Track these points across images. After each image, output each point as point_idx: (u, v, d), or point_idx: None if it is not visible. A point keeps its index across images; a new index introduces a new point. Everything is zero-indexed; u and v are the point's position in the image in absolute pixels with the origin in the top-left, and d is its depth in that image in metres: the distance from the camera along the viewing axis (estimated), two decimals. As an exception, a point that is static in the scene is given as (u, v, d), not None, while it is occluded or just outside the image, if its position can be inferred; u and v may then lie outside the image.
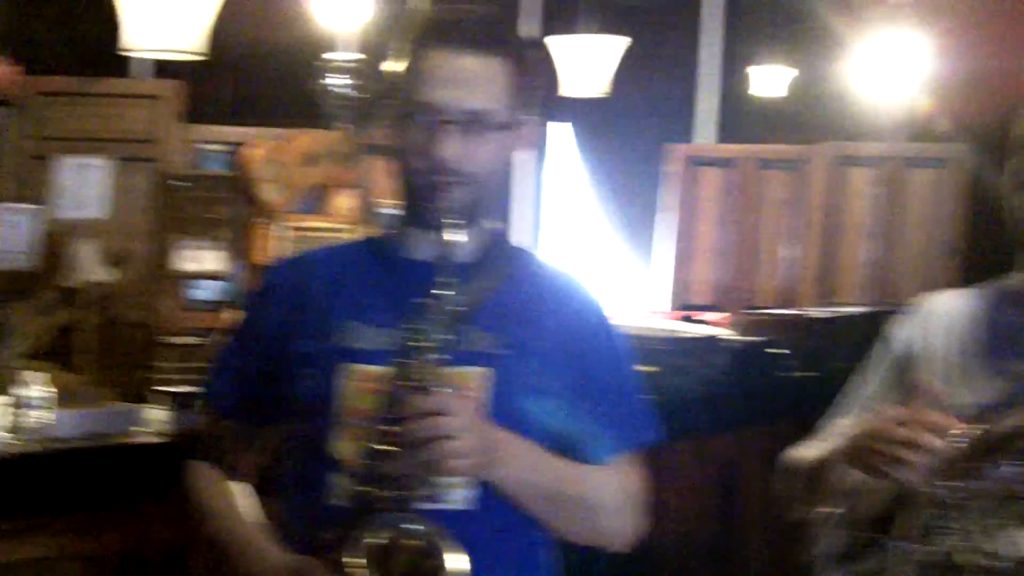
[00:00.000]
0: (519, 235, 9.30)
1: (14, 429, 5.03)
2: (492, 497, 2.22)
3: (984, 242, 9.02)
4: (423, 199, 2.24)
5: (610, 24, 7.39)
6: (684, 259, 9.45)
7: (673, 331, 5.59)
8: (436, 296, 2.14)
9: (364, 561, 2.03)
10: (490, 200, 2.32)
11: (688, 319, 6.43)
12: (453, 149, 2.20)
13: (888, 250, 9.16)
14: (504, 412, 2.21)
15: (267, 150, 7.94)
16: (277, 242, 7.70)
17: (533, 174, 9.65)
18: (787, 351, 5.98)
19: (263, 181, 7.88)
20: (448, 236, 2.18)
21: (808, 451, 2.45)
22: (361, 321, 2.29)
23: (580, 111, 9.21)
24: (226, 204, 7.94)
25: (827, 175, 9.28)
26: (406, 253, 2.35)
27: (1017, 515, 2.14)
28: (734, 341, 5.72)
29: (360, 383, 2.23)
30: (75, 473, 4.88)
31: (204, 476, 2.46)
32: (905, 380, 2.34)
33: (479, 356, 2.25)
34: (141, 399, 5.74)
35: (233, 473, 2.46)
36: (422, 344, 2.12)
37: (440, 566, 2.06)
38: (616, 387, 2.37)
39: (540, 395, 2.28)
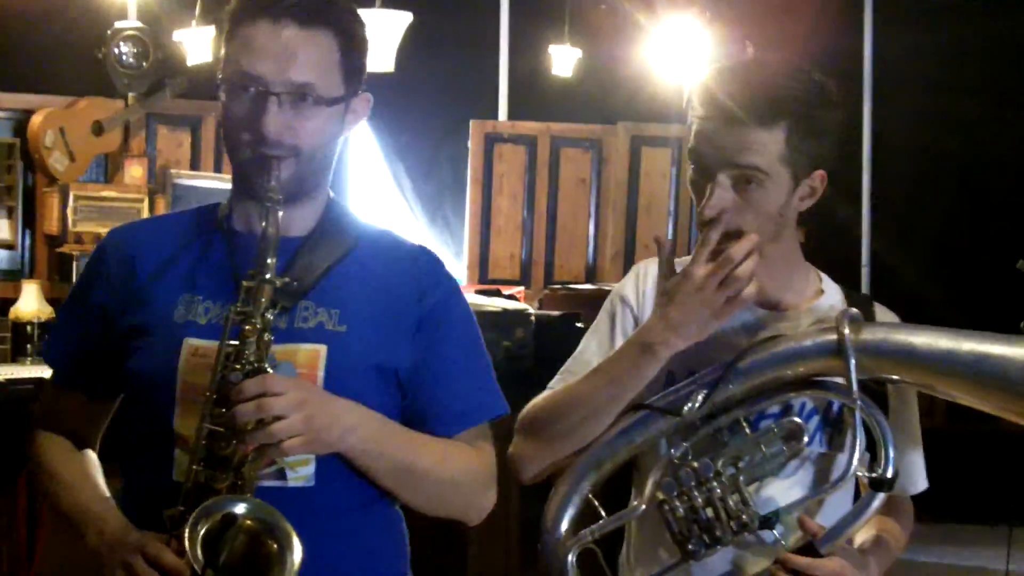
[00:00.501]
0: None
1: None
2: (335, 473, 2.18)
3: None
4: (250, 173, 2.17)
5: (404, 1, 7.33)
6: (486, 235, 9.44)
7: (478, 305, 5.54)
8: (263, 273, 2.09)
9: (197, 542, 1.97)
10: (321, 174, 2.26)
11: (497, 293, 6.39)
12: (276, 122, 2.13)
13: (686, 229, 9.30)
14: (342, 389, 2.17)
15: (53, 117, 7.72)
16: (65, 211, 7.48)
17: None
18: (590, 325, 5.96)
19: (49, 149, 7.67)
20: (275, 211, 2.11)
21: (547, 395, 2.49)
22: (196, 294, 2.23)
23: (371, 85, 9.12)
24: (13, 172, 7.66)
25: (625, 155, 9.36)
26: (240, 225, 2.28)
27: (760, 472, 2.28)
28: (542, 315, 5.69)
29: (199, 359, 2.18)
30: None
31: (48, 441, 2.39)
32: (632, 331, 2.43)
33: (315, 332, 2.20)
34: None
35: (77, 440, 2.39)
36: (252, 323, 2.07)
37: (276, 548, 2.01)
38: (463, 359, 2.34)
39: (380, 371, 2.24)
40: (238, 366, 2.06)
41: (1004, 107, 8.23)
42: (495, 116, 9.75)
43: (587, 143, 9.50)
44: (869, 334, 2.21)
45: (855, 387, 2.18)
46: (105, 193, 7.61)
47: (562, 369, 2.53)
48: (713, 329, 2.25)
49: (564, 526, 2.36)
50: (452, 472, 2.28)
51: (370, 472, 2.21)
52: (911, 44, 8.38)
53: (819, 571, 2.19)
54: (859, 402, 2.19)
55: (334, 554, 2.18)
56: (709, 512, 2.23)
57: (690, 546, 2.25)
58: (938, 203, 8.67)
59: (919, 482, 2.50)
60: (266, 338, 2.08)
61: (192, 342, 2.20)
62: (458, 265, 9.51)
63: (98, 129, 7.82)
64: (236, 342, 2.07)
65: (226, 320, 2.10)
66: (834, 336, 2.19)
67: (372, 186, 9.82)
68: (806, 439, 2.27)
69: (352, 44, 2.23)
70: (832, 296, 2.45)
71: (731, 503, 2.23)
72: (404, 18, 7.08)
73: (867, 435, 2.21)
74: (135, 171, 7.90)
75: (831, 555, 2.20)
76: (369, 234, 2.36)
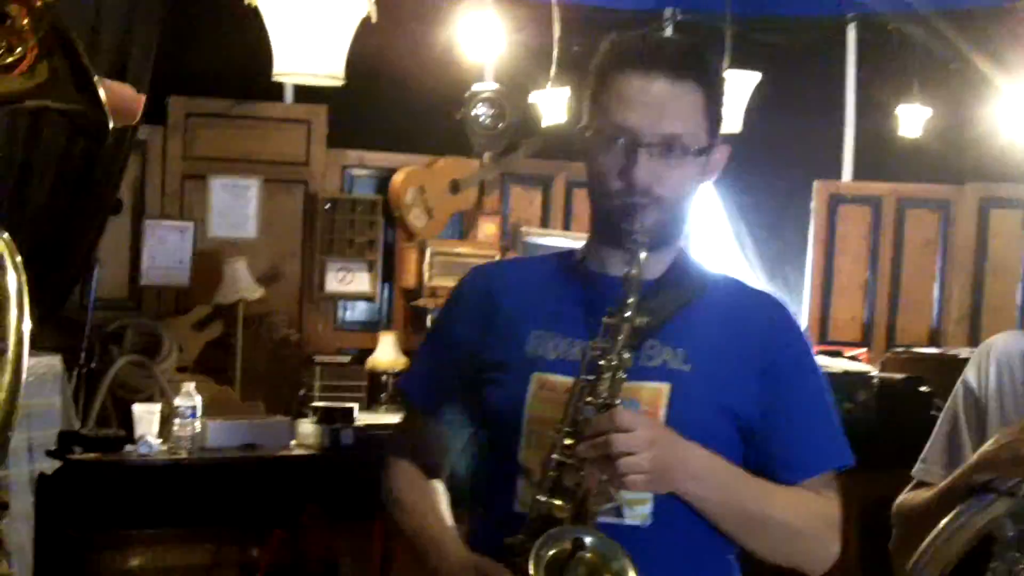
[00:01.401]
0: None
1: (167, 437, 5.14)
2: (673, 513, 2.21)
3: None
4: (616, 220, 2.25)
5: (751, 61, 7.36)
6: (827, 296, 9.38)
7: (823, 366, 5.56)
8: (623, 312, 2.16)
9: (541, 565, 2.04)
10: (680, 222, 2.33)
11: (839, 354, 6.37)
12: (648, 172, 2.21)
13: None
14: (685, 428, 2.19)
15: (413, 176, 8.04)
16: (423, 266, 7.77)
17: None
18: (935, 390, 5.90)
19: (409, 206, 7.98)
20: (638, 255, 2.19)
21: (912, 495, 2.47)
22: (551, 331, 2.31)
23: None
24: (375, 227, 8.01)
25: (973, 216, 9.17)
26: (596, 268, 2.36)
27: None
28: (886, 378, 5.67)
29: (548, 392, 2.25)
30: (229, 483, 4.95)
31: (400, 470, 2.48)
32: (976, 421, 2.39)
33: (660, 371, 2.25)
34: (290, 414, 5.84)
35: (427, 470, 2.49)
36: (608, 359, 2.14)
37: None
38: (810, 406, 2.33)
39: (724, 412, 2.27)
40: (591, 399, 2.13)
41: None
42: (839, 176, 9.69)
43: (934, 204, 9.34)
44: None
45: None
46: (460, 249, 7.90)
47: (921, 457, 2.51)
48: None
49: None
50: (798, 520, 2.27)
51: (713, 516, 2.23)
52: None
53: None
54: None
55: None
56: None
57: None
58: None
59: None
60: (620, 376, 2.13)
61: (540, 376, 2.27)
62: (806, 324, 9.46)
63: (455, 187, 8.10)
64: (592, 376, 2.14)
65: (584, 355, 2.17)
66: None
67: (714, 244, 9.88)
68: None
69: (715, 96, 2.29)
70: None
71: None
72: (752, 78, 7.12)
73: None
74: (489, 228, 8.16)
75: None
76: (717, 280, 2.40)
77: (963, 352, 7.19)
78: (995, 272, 9.14)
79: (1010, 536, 2.22)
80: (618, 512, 2.20)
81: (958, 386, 2.45)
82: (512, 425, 2.28)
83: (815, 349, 7.57)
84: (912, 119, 8.90)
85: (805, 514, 2.28)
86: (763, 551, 2.30)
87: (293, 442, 5.34)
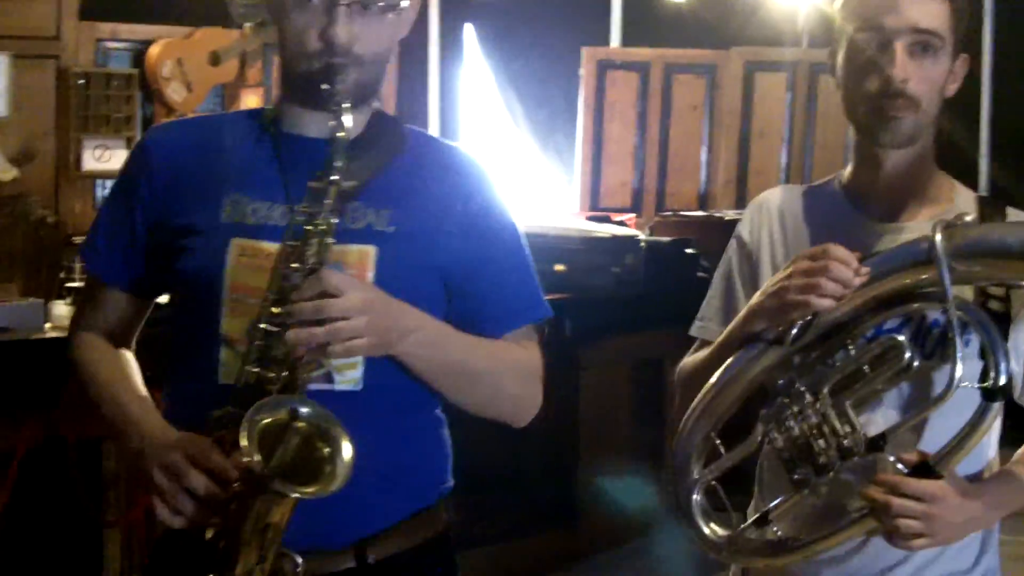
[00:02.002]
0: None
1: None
2: (383, 375, 2.20)
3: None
4: (316, 80, 2.18)
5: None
6: (597, 163, 9.44)
7: (591, 231, 5.56)
8: (329, 174, 2.10)
9: (254, 438, 1.96)
10: (376, 81, 2.28)
11: (607, 220, 6.41)
12: (348, 31, 2.16)
13: (801, 154, 9.24)
14: (391, 288, 2.17)
15: (171, 48, 7.82)
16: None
17: (447, 75, 9.58)
18: (702, 252, 5.98)
19: (167, 79, 7.78)
20: (343, 116, 2.13)
21: (694, 356, 2.47)
22: (246, 194, 2.24)
23: (485, 13, 9.16)
24: (132, 102, 7.78)
25: (739, 80, 9.30)
26: (290, 129, 2.30)
27: (865, 393, 2.20)
28: (653, 241, 5.70)
29: (250, 259, 2.19)
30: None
31: (87, 343, 2.38)
32: (748, 275, 2.41)
33: (364, 233, 2.22)
34: (49, 296, 5.66)
35: (115, 341, 2.40)
36: (315, 223, 2.09)
37: (328, 450, 2.02)
38: (508, 261, 2.36)
39: (429, 271, 2.27)
40: (297, 265, 2.07)
41: None
42: (607, 42, 9.72)
43: (700, 69, 9.44)
44: (961, 238, 2.09)
45: (948, 292, 2.07)
46: (233, 111, 7.69)
47: (698, 316, 2.51)
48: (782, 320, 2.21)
49: (689, 465, 2.35)
50: (503, 372, 2.32)
51: (425, 374, 2.23)
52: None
53: (911, 490, 2.12)
54: (955, 307, 2.10)
55: (378, 458, 2.19)
56: (812, 439, 2.19)
57: (796, 476, 2.22)
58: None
59: None
60: (327, 240, 2.09)
61: (240, 242, 2.20)
62: (570, 192, 9.52)
63: (215, 59, 7.91)
64: (298, 242, 2.09)
65: (291, 219, 2.12)
66: (925, 244, 2.10)
67: (484, 114, 9.86)
68: (907, 355, 2.16)
69: None
70: (962, 205, 2.32)
71: (834, 428, 2.18)
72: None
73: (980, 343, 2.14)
74: (251, 100, 8.00)
75: (940, 478, 2.13)
76: (417, 139, 2.38)
77: (729, 214, 7.31)
78: (760, 135, 9.31)
79: (780, 384, 2.24)
80: (329, 378, 2.17)
81: (731, 242, 2.48)
82: (212, 294, 2.20)
83: (584, 215, 7.65)
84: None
85: (508, 366, 2.33)
86: (470, 404, 2.34)
87: (48, 325, 5.18)
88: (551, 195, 9.60)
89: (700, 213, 7.75)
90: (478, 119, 9.88)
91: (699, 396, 2.33)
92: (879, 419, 2.24)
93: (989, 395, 2.11)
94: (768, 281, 2.26)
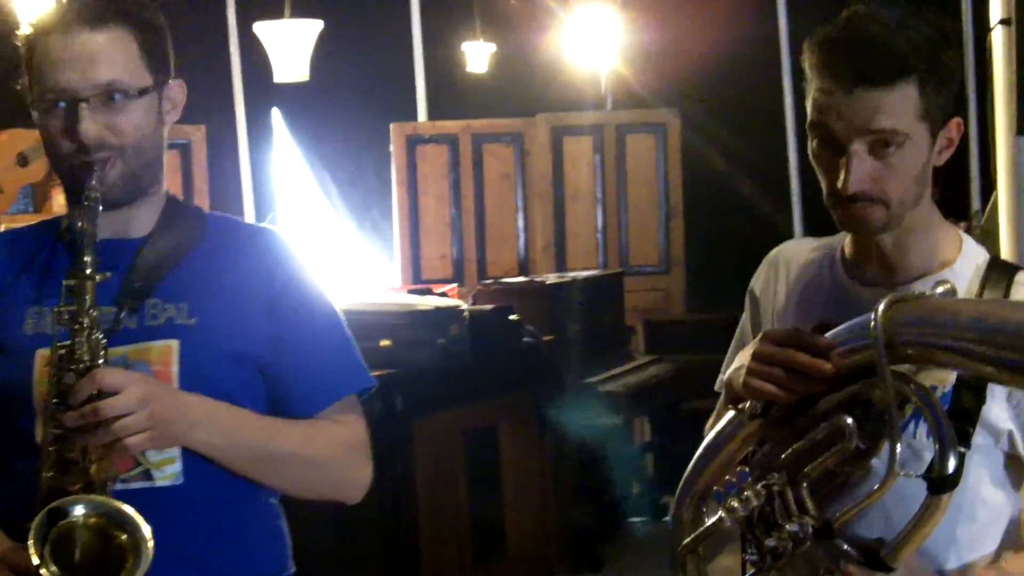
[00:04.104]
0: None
1: None
2: (203, 469, 2.18)
3: (701, 200, 9.35)
4: (76, 180, 2.16)
5: (313, 10, 7.33)
6: (415, 236, 9.47)
7: (414, 304, 5.58)
8: (82, 270, 2.09)
9: (44, 546, 1.97)
10: (152, 169, 2.26)
11: (428, 292, 6.43)
12: (92, 126, 2.14)
13: (614, 214, 9.37)
14: (199, 382, 2.17)
15: (-27, 153, 7.71)
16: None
17: (257, 160, 9.56)
18: (526, 318, 6.04)
19: (-26, 184, 7.66)
20: (95, 210, 2.12)
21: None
22: (43, 305, 2.23)
23: (291, 96, 9.18)
24: (-61, 209, 7.65)
25: (547, 146, 9.41)
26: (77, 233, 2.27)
27: (819, 474, 2.09)
28: (476, 310, 5.74)
29: (46, 368, 2.15)
30: None
31: None
32: (759, 328, 2.35)
33: (165, 329, 2.21)
34: None
35: None
36: (79, 322, 2.07)
37: (127, 538, 2.01)
38: (316, 336, 2.34)
39: (236, 358, 2.25)
40: (72, 367, 2.06)
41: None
42: (415, 117, 9.79)
43: (508, 137, 9.55)
44: (902, 314, 1.94)
45: (885, 372, 1.94)
46: (34, 222, 7.56)
47: (721, 370, 2.41)
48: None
49: (681, 531, 2.29)
50: (315, 452, 2.29)
51: (226, 463, 2.21)
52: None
53: None
54: (908, 392, 1.98)
55: (209, 551, 2.19)
56: (763, 521, 2.09)
57: (749, 556, 2.13)
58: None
59: None
60: (95, 336, 2.07)
61: (43, 352, 2.18)
62: (390, 267, 9.54)
63: (23, 160, 7.81)
64: (68, 342, 2.07)
65: (52, 322, 2.11)
66: (869, 319, 1.98)
67: (299, 196, 9.84)
68: (853, 438, 2.02)
69: (149, 32, 2.23)
70: (968, 265, 2.20)
71: (786, 509, 2.07)
72: (315, 26, 7.10)
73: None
74: (62, 198, 7.84)
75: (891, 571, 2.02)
76: (213, 224, 2.36)
77: (551, 278, 7.39)
78: (573, 198, 9.43)
79: (754, 457, 2.17)
80: (148, 475, 2.16)
81: (746, 295, 2.44)
82: (23, 405, 2.19)
83: (406, 289, 7.67)
84: (477, 55, 9.08)
85: (323, 445, 2.30)
86: (288, 488, 2.33)
87: None
88: (372, 272, 9.61)
89: (521, 279, 7.81)
90: (293, 201, 9.87)
91: (690, 467, 2.28)
92: (842, 503, 2.10)
93: (933, 486, 1.94)
94: (741, 352, 2.20)
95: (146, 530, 2.00)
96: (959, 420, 2.02)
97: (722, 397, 2.29)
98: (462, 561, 5.49)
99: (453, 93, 9.62)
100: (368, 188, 9.70)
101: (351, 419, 2.35)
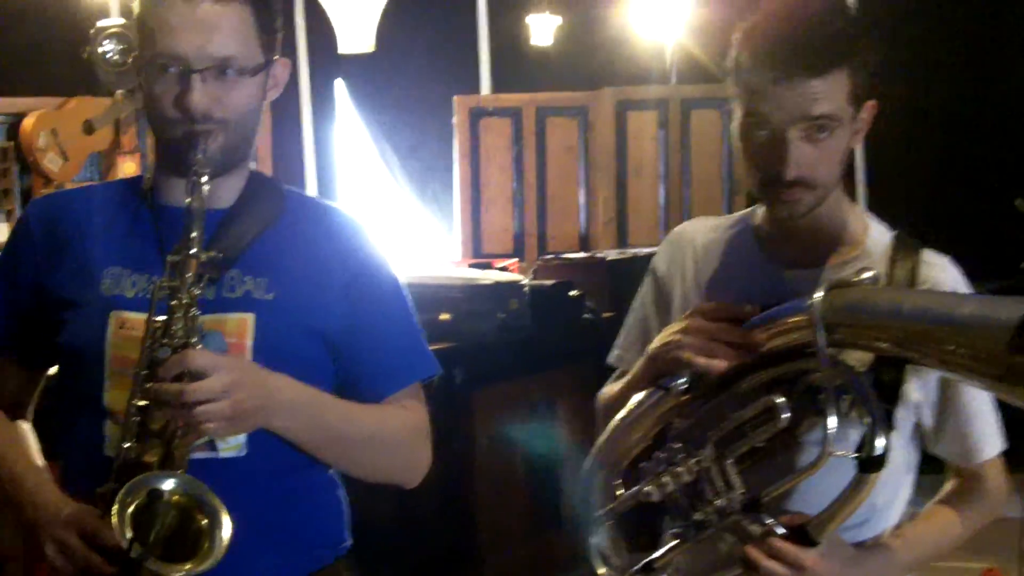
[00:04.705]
0: (315, 193, 9.26)
1: None
2: (269, 439, 2.19)
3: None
4: (178, 149, 2.18)
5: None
6: (476, 209, 9.49)
7: (474, 279, 5.59)
8: (187, 247, 2.10)
9: (126, 519, 1.97)
10: (247, 144, 2.28)
11: (488, 267, 6.44)
12: (203, 98, 2.15)
13: (677, 190, 9.33)
14: (272, 356, 2.18)
15: (45, 119, 7.77)
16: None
17: (320, 131, 9.59)
18: (586, 293, 6.04)
19: (43, 150, 7.72)
20: (200, 186, 2.13)
21: (611, 387, 2.47)
22: (126, 267, 2.24)
23: (355, 67, 9.19)
24: (8, 175, 7.71)
25: (611, 120, 9.39)
26: (164, 199, 2.29)
27: (747, 451, 2.15)
28: (536, 285, 5.75)
29: (129, 331, 2.18)
30: None
31: None
32: (661, 306, 2.42)
33: (243, 301, 2.22)
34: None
35: (10, 412, 2.39)
36: (179, 298, 2.08)
37: (206, 523, 2.02)
38: (389, 321, 2.36)
39: (310, 336, 2.27)
40: (166, 341, 2.06)
41: (989, 50, 8.26)
42: (478, 90, 9.79)
43: (573, 111, 9.52)
44: (842, 299, 2.01)
45: (823, 355, 2.00)
46: (110, 180, 7.63)
47: (615, 344, 2.50)
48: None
49: (588, 506, 2.34)
50: (385, 438, 2.32)
51: (303, 445, 2.23)
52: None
53: (781, 554, 2.08)
54: (838, 372, 2.03)
55: (270, 522, 2.21)
56: (690, 495, 2.15)
57: (675, 529, 2.19)
58: (932, 143, 8.62)
59: (985, 449, 2.30)
60: (192, 313, 2.08)
61: (120, 315, 2.19)
62: (451, 240, 9.56)
63: (89, 128, 7.87)
64: (164, 317, 2.07)
65: (152, 295, 2.11)
66: (807, 303, 2.03)
67: (361, 168, 9.87)
68: (783, 417, 2.07)
69: (266, 10, 2.23)
70: (873, 249, 2.28)
71: (713, 485, 2.14)
72: (380, -2, 7.11)
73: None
74: (128, 166, 7.97)
75: (816, 545, 2.09)
76: (295, 201, 2.38)
77: (611, 254, 7.38)
78: (636, 173, 9.39)
79: (675, 431, 2.22)
80: (212, 446, 2.18)
81: (647, 272, 2.48)
82: (94, 367, 2.20)
83: (467, 263, 7.69)
84: (543, 28, 9.06)
85: (392, 430, 2.33)
86: (355, 470, 2.35)
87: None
88: (433, 245, 9.64)
89: (582, 255, 7.80)
90: (355, 173, 9.90)
91: (603, 437, 2.31)
92: (768, 476, 2.16)
93: (863, 465, 2.01)
94: (666, 329, 2.25)
95: (226, 521, 2.01)
96: (882, 400, 2.07)
97: (635, 371, 2.31)
98: (520, 532, 5.51)
99: (518, 66, 9.61)
100: (431, 160, 9.71)
101: (416, 405, 2.38)
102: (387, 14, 7.14)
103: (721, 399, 2.17)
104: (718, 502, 2.13)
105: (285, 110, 9.03)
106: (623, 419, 2.28)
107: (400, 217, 9.76)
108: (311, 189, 9.29)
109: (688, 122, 9.37)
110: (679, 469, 2.15)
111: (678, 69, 9.80)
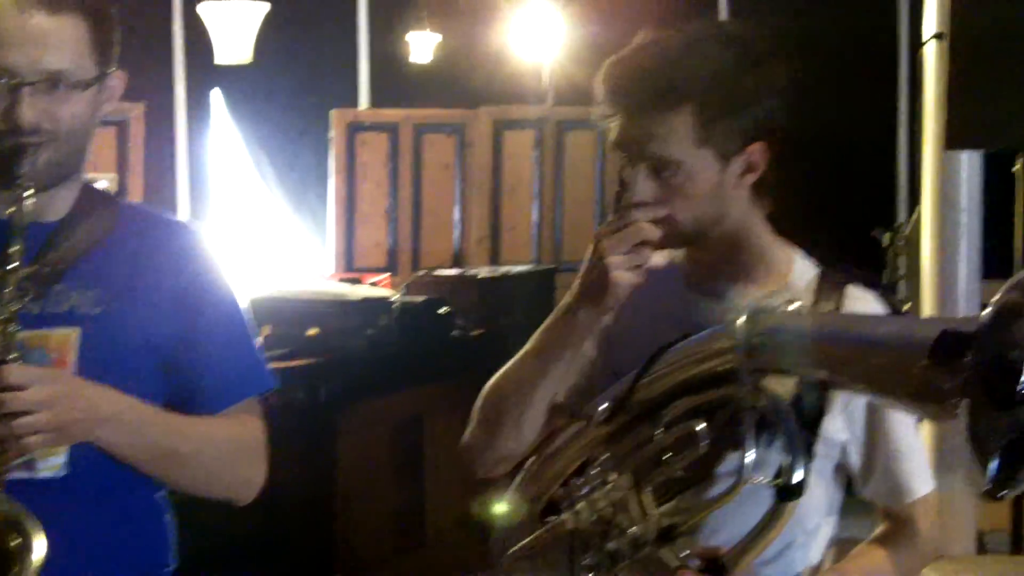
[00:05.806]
0: (183, 205, 9.18)
1: None
2: (91, 460, 2.16)
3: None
4: (6, 162, 2.13)
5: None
6: (351, 224, 9.46)
7: (343, 294, 5.58)
8: (7, 261, 2.06)
9: None
10: (78, 157, 2.25)
11: (359, 281, 6.42)
12: (30, 111, 2.11)
13: (550, 210, 9.39)
14: (99, 371, 2.15)
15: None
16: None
17: (195, 141, 9.51)
18: (457, 310, 6.05)
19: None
20: (23, 199, 2.09)
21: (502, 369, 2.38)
22: None
23: (233, 78, 9.14)
24: None
25: (488, 138, 9.42)
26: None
27: (665, 480, 2.10)
28: (406, 302, 5.74)
29: None
30: None
31: None
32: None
33: (67, 316, 2.18)
34: None
35: None
36: None
37: (20, 543, 1.99)
38: (223, 335, 2.33)
39: (140, 349, 2.24)
40: None
41: (847, 81, 8.42)
42: (356, 104, 9.77)
43: (450, 128, 9.55)
44: (762, 324, 1.98)
45: (743, 378, 1.97)
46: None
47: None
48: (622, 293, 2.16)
49: (508, 539, 2.29)
50: (215, 452, 2.29)
51: (128, 460, 2.20)
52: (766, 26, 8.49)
53: None
54: (759, 399, 1.99)
55: (89, 544, 2.16)
56: (604, 525, 2.09)
57: (586, 561, 2.11)
58: (794, 172, 8.76)
59: (916, 488, 2.26)
60: (11, 329, 2.04)
61: None
62: (324, 253, 9.52)
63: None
64: None
65: None
66: (729, 329, 2.00)
67: (235, 179, 9.80)
68: (703, 444, 2.02)
69: (102, 23, 2.20)
70: (800, 279, 2.26)
71: (628, 515, 2.07)
72: (261, 8, 7.06)
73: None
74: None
75: None
76: (128, 215, 2.34)
77: (483, 272, 7.39)
78: (511, 192, 9.45)
79: (600, 460, 2.15)
80: (30, 466, 2.13)
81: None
82: None
83: (338, 277, 7.66)
84: (423, 45, 9.07)
85: (222, 443, 2.30)
86: (184, 485, 2.31)
87: None
88: (306, 258, 9.59)
89: (454, 271, 7.81)
90: (229, 184, 9.82)
91: (520, 473, 2.28)
92: (687, 506, 2.10)
93: (780, 494, 1.96)
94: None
95: (39, 544, 1.98)
96: (803, 427, 2.04)
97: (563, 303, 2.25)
98: (381, 552, 5.49)
99: (396, 82, 9.60)
100: (306, 173, 9.66)
101: (251, 419, 2.35)
102: (266, 25, 7.12)
103: (643, 429, 2.10)
104: (632, 531, 2.06)
105: (160, 117, 8.94)
106: (544, 452, 2.25)
107: (274, 229, 9.70)
108: (183, 199, 9.21)
109: (564, 142, 9.44)
110: (595, 496, 2.10)
111: (555, 90, 9.86)
